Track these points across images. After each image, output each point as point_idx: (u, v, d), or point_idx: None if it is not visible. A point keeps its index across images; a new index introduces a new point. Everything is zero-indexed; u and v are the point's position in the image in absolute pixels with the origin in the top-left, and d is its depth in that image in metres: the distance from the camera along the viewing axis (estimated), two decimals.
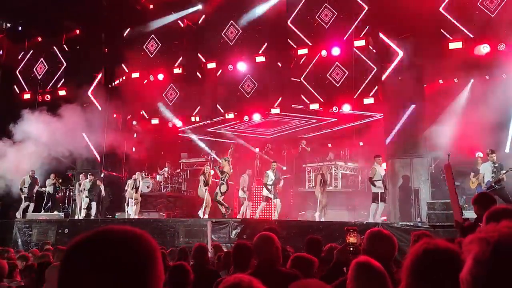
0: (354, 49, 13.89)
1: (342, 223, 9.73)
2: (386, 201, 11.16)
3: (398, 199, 11.80)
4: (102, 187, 14.28)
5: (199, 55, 16.67)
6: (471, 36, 12.43)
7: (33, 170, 14.74)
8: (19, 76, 18.36)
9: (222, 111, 16.40)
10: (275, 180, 12.33)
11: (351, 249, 2.87)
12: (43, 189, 15.19)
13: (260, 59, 15.30)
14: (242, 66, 15.62)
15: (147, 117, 17.41)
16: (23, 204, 14.40)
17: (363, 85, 14.26)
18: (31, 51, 18.41)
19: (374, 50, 13.83)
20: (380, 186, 11.01)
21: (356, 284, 2.19)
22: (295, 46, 15.05)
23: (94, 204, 14.02)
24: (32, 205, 14.62)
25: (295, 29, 15.18)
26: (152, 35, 17.31)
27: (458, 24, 12.60)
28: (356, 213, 12.27)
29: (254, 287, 1.67)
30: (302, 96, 15.18)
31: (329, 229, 9.83)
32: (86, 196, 13.80)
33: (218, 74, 16.44)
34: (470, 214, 8.38)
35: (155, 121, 17.20)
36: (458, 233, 4.40)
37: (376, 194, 11.05)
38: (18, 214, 14.28)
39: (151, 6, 17.08)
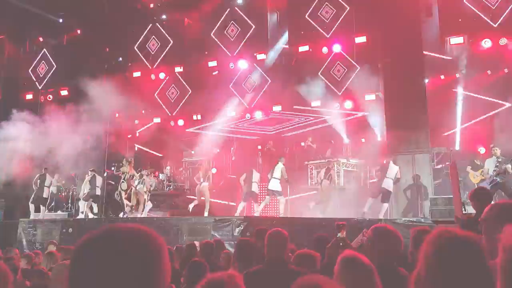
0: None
1: (345, 219, 9.67)
2: (384, 201, 11.14)
3: (400, 195, 11.79)
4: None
5: (200, 53, 16.67)
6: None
7: (45, 168, 14.17)
8: (21, 76, 18.37)
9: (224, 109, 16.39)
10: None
11: (341, 244, 2.89)
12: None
13: (261, 56, 15.31)
14: (243, 64, 15.62)
15: (149, 116, 17.41)
16: (43, 211, 13.98)
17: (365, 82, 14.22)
18: (33, 51, 18.42)
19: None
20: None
21: (342, 279, 2.18)
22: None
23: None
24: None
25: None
26: (153, 34, 17.30)
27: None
28: (360, 210, 12.22)
29: (236, 283, 1.68)
30: (304, 94, 15.15)
31: (331, 226, 9.76)
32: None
33: (217, 72, 16.44)
34: (472, 209, 8.37)
35: (157, 119, 17.21)
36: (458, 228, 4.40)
37: None
38: (42, 213, 13.88)
39: (151, 5, 17.08)
